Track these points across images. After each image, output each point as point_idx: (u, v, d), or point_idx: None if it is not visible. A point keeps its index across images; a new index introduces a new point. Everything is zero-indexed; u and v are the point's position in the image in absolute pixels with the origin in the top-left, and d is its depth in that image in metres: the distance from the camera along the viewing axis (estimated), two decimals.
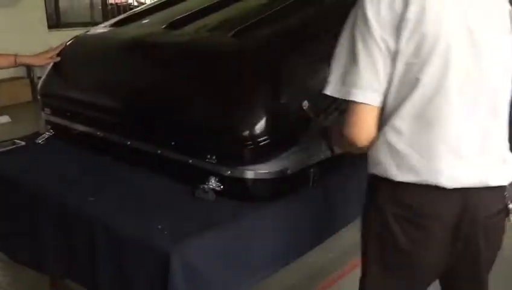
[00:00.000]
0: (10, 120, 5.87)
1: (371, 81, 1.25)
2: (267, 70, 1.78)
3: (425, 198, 1.28)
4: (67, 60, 2.31)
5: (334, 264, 2.87)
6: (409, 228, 1.31)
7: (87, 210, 1.66)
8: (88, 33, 2.56)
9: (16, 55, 2.23)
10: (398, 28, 1.21)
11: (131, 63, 2.12)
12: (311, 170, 1.79)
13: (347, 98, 1.28)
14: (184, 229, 1.50)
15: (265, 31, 1.98)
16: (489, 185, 1.30)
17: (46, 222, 1.79)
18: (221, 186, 1.67)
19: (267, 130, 1.65)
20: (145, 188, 1.79)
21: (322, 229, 1.92)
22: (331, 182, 1.88)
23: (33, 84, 6.82)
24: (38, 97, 2.41)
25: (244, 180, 1.69)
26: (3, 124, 5.73)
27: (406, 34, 1.21)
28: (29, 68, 6.90)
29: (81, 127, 2.18)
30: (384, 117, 1.30)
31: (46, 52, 2.33)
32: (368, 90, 1.26)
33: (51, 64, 2.34)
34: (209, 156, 1.69)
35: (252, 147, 1.65)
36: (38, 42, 4.90)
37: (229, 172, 1.67)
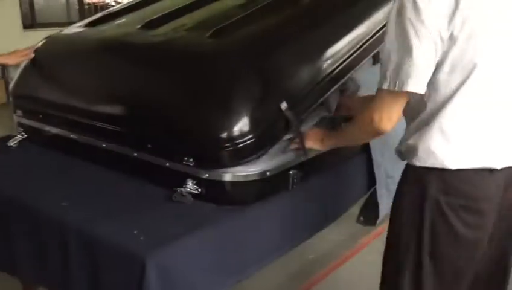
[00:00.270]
0: None
1: (424, 71, 1.29)
2: (245, 71, 1.76)
3: (478, 182, 1.35)
4: (40, 60, 2.26)
5: (314, 266, 2.87)
6: (464, 215, 1.36)
7: (60, 215, 1.61)
8: (61, 33, 2.51)
9: None
10: (450, 15, 1.25)
11: (105, 63, 2.08)
12: (291, 172, 1.77)
13: (403, 90, 1.30)
14: (160, 234, 1.47)
15: (243, 31, 1.96)
16: None
17: (18, 227, 1.74)
18: (199, 190, 1.65)
19: (245, 132, 1.63)
20: (121, 191, 1.76)
21: (302, 230, 1.90)
22: (311, 184, 1.86)
23: (7, 85, 6.69)
24: (10, 99, 2.35)
25: (222, 183, 1.66)
26: None
27: (458, 20, 1.24)
28: (3, 68, 6.76)
29: (54, 130, 2.13)
30: (435, 107, 1.34)
31: (20, 50, 2.28)
32: (421, 80, 1.30)
33: (23, 65, 2.28)
34: (186, 159, 1.66)
35: (230, 149, 1.63)
36: (12, 43, 4.72)
37: (207, 175, 1.65)
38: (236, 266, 1.63)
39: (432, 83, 1.33)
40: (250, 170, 1.67)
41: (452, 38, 1.27)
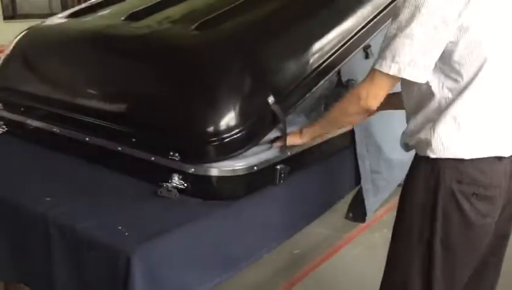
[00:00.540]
0: None
1: (424, 59, 1.30)
2: (231, 65, 1.74)
3: (488, 170, 1.38)
4: (20, 52, 2.22)
5: (299, 260, 2.87)
6: (476, 202, 1.39)
7: (42, 211, 1.57)
8: (42, 24, 2.46)
9: None
10: (461, 7, 1.25)
11: (88, 56, 2.04)
12: (278, 167, 1.76)
13: (399, 76, 1.32)
14: (146, 229, 1.45)
15: (229, 23, 1.94)
16: None
17: None
18: (185, 185, 1.62)
19: (231, 126, 1.61)
20: (105, 186, 1.73)
21: (289, 225, 1.90)
22: (297, 179, 1.85)
23: None
24: None
25: (208, 178, 1.64)
26: None
27: (469, 12, 1.25)
28: None
29: (36, 123, 2.09)
30: (450, 99, 1.35)
31: None
32: (420, 68, 1.30)
33: (3, 57, 2.23)
34: (171, 153, 1.63)
35: (215, 143, 1.61)
36: None
37: (193, 169, 1.62)
38: (223, 262, 1.62)
39: (445, 74, 1.35)
40: (237, 165, 1.65)
41: (462, 29, 1.28)
